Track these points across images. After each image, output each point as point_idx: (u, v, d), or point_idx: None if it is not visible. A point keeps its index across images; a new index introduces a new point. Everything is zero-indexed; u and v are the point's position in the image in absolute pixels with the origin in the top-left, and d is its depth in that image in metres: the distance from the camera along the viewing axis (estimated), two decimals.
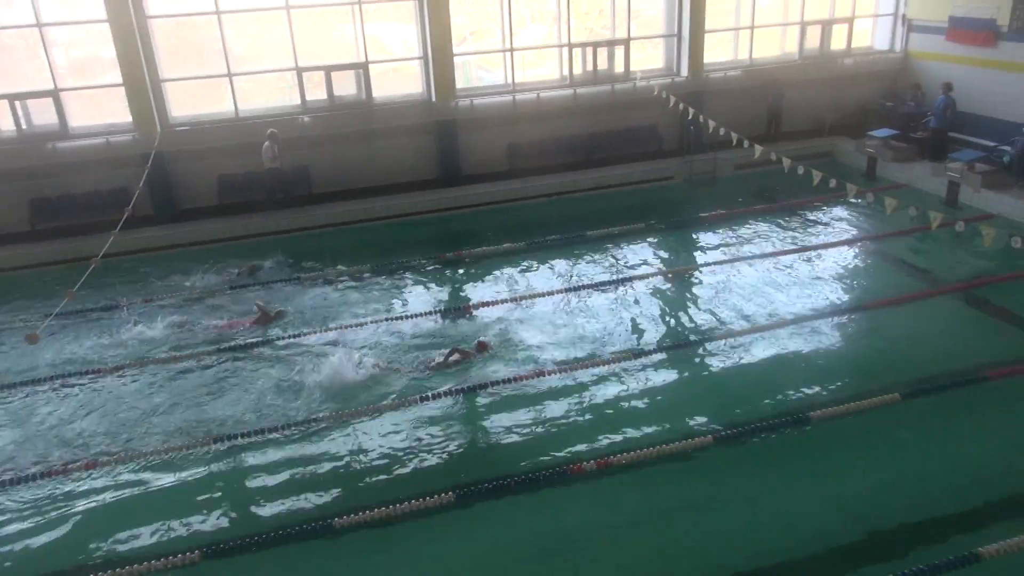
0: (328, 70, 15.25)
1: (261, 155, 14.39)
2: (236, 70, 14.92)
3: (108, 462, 7.94)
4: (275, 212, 14.71)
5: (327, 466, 7.87)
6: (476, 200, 15.52)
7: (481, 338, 9.85)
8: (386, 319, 10.75)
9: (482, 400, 8.78)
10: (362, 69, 15.42)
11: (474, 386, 8.93)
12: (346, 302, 11.52)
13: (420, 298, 11.66)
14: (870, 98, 18.56)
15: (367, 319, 10.77)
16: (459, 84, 16.33)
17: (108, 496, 7.55)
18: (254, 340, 10.35)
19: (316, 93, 15.42)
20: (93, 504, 7.46)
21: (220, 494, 7.57)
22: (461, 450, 8.04)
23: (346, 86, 15.58)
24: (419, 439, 8.17)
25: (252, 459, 8.02)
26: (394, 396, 8.89)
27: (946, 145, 15.72)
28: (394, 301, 11.53)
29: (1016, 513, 6.82)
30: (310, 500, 7.43)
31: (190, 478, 7.77)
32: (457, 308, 11.09)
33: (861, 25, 18.88)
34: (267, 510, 7.35)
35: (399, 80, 16.46)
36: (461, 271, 12.66)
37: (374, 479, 7.68)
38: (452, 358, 9.47)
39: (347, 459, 7.95)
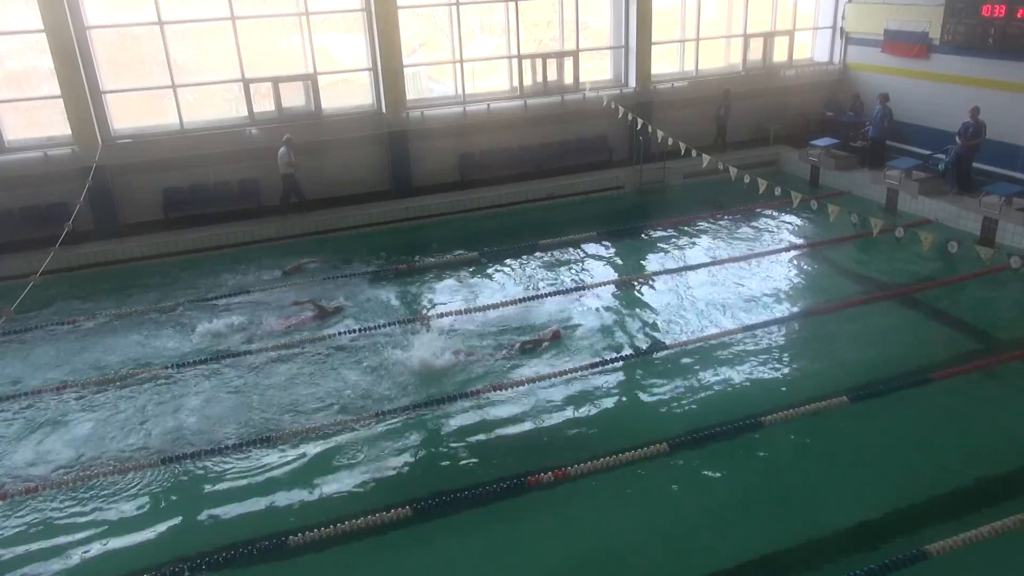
0: (276, 81, 15.05)
1: (277, 160, 14.50)
2: (180, 82, 14.61)
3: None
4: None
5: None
6: (428, 211, 15.48)
7: (554, 327, 10.34)
8: (363, 329, 10.70)
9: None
10: (311, 80, 15.26)
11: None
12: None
13: (373, 309, 11.51)
14: (812, 108, 19.10)
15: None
16: (410, 95, 16.29)
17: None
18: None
19: (264, 105, 15.21)
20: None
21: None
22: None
23: (295, 98, 15.40)
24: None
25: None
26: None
27: (884, 153, 16.25)
28: (352, 313, 11.39)
29: (963, 509, 7.01)
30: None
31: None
32: (411, 320, 11.00)
33: (802, 38, 19.44)
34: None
35: (349, 91, 16.34)
36: (413, 282, 12.57)
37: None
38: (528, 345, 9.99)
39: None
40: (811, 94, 19.18)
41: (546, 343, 10.06)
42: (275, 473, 7.86)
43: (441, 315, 11.11)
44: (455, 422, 8.59)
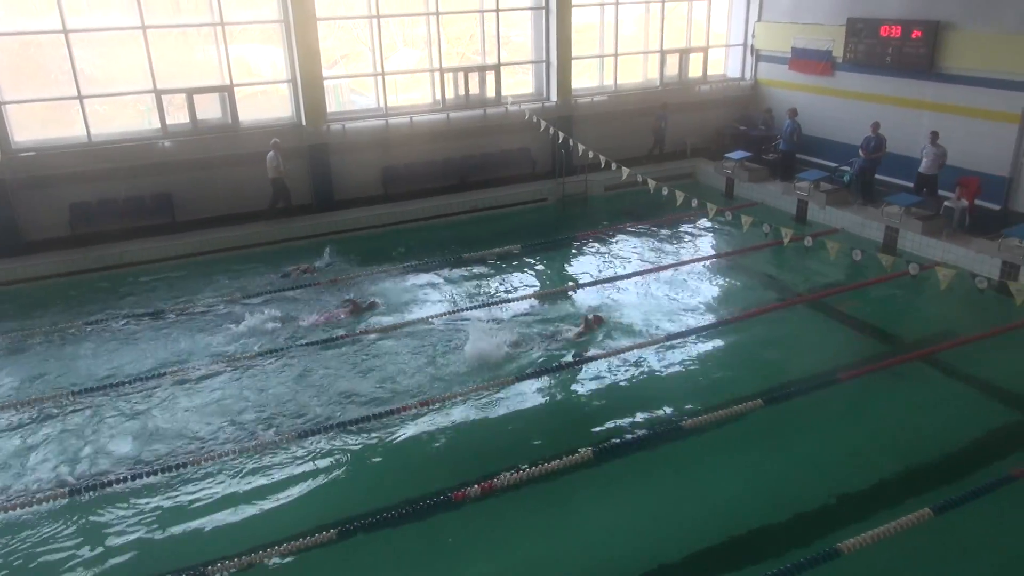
0: (190, 93, 14.65)
1: (266, 165, 14.58)
2: (88, 92, 14.05)
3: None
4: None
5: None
6: (351, 225, 15.28)
7: (597, 313, 10.97)
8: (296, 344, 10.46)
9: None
10: (227, 92, 14.91)
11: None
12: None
13: (285, 327, 11.25)
14: (726, 122, 19.78)
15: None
16: (331, 108, 16.11)
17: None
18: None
19: (179, 117, 14.77)
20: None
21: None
22: None
23: (210, 109, 15.02)
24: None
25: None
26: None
27: (794, 166, 16.95)
28: (269, 333, 11.12)
29: (873, 506, 7.33)
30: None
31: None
32: (337, 338, 10.82)
33: (715, 55, 20.13)
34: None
35: (268, 103, 16.05)
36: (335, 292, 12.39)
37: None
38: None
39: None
40: (725, 109, 19.87)
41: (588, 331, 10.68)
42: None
43: (384, 328, 11.00)
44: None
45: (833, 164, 16.95)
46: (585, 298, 12.05)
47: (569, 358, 10.08)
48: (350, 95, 17.40)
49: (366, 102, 16.96)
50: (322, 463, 8.07)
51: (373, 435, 8.52)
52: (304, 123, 15.57)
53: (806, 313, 11.58)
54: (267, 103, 16.05)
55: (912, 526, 6.88)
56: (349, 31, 16.96)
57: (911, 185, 15.00)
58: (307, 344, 10.55)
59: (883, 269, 11.48)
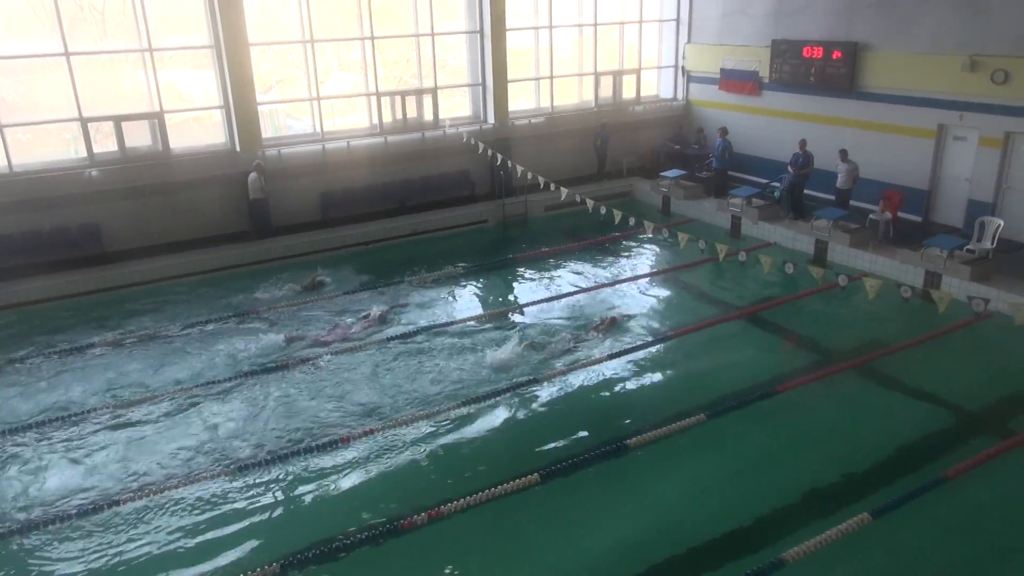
0: (118, 120, 14.26)
1: (248, 186, 14.83)
2: (8, 120, 13.55)
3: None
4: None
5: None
6: (289, 252, 15.02)
7: (612, 314, 11.62)
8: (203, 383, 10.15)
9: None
10: (157, 119, 14.57)
11: None
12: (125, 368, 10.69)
13: (221, 357, 10.98)
14: (660, 142, 20.23)
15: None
16: (266, 133, 15.90)
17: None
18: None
19: (106, 145, 14.36)
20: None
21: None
22: None
23: (140, 137, 14.64)
24: None
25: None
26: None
27: (727, 183, 17.41)
28: (203, 361, 10.82)
29: (814, 513, 7.49)
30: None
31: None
32: (274, 367, 10.59)
33: (648, 76, 20.61)
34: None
35: (201, 130, 15.74)
36: (271, 325, 12.12)
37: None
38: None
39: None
40: (659, 128, 20.33)
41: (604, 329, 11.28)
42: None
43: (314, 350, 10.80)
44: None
45: (764, 180, 17.47)
46: (527, 318, 12.08)
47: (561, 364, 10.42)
48: (286, 120, 17.21)
49: (302, 127, 16.79)
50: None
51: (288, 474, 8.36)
52: (239, 149, 15.31)
53: (744, 327, 11.83)
54: (200, 130, 15.75)
55: (853, 531, 7.08)
56: (284, 56, 16.80)
57: (833, 198, 15.59)
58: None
59: (815, 281, 11.84)
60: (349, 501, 7.86)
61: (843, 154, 14.91)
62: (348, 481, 8.15)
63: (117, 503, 7.73)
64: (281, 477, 8.18)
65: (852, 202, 15.29)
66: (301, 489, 8.03)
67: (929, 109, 14.60)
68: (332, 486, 8.07)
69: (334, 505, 7.82)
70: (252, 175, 14.87)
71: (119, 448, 8.75)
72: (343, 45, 17.06)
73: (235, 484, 8.04)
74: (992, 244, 12.86)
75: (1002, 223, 13.01)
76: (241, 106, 15.05)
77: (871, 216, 14.47)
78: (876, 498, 7.57)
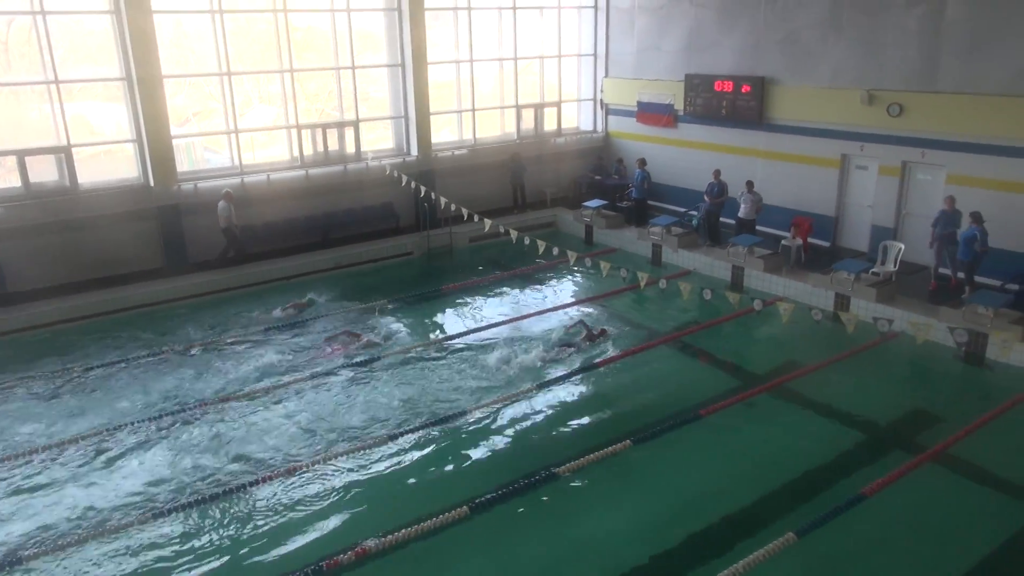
0: (21, 155, 13.65)
1: (217, 215, 14.86)
2: None
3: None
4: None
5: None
6: (206, 288, 14.58)
7: (602, 327, 12.28)
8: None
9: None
10: (64, 153, 14.01)
11: None
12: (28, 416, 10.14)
13: (137, 398, 10.54)
14: (582, 172, 20.64)
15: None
16: (183, 167, 15.50)
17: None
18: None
19: (9, 180, 13.72)
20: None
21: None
22: None
23: (46, 172, 14.04)
24: None
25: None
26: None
27: (647, 212, 17.85)
28: (113, 405, 10.35)
29: (742, 533, 7.64)
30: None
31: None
32: (188, 407, 10.21)
33: (569, 109, 21.05)
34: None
35: (113, 164, 15.21)
36: (188, 362, 11.71)
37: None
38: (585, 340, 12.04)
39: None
40: (580, 160, 20.75)
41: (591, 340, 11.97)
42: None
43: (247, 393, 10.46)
44: None
45: (682, 209, 18.00)
46: (451, 349, 12.03)
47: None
48: (204, 153, 16.80)
49: (221, 160, 16.42)
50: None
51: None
52: (152, 184, 14.84)
53: (666, 353, 12.08)
54: (112, 164, 15.21)
55: (780, 551, 7.23)
56: (200, 88, 16.46)
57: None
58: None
59: (732, 306, 12.21)
60: (271, 543, 7.60)
61: (749, 185, 15.54)
62: (267, 523, 7.88)
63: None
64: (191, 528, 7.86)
65: (765, 229, 15.91)
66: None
67: (833, 140, 15.38)
68: (234, 537, 7.80)
69: (242, 558, 7.55)
70: (221, 203, 14.90)
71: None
72: (263, 77, 16.85)
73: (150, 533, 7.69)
74: (895, 267, 13.56)
75: (903, 246, 13.75)
76: (155, 139, 14.62)
77: (783, 242, 15.06)
78: (799, 517, 7.77)
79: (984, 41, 12.84)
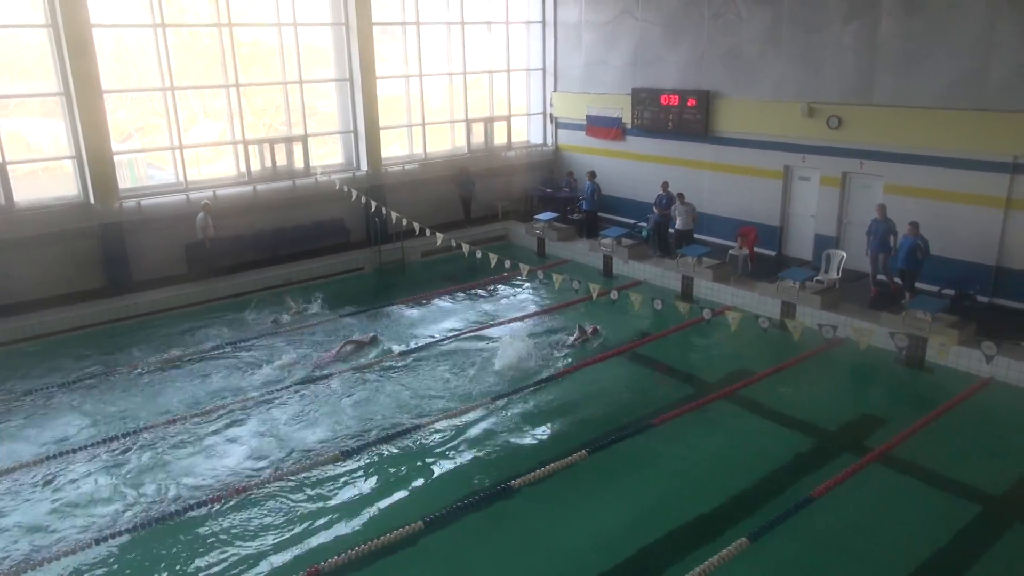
0: None
1: (196, 226, 14.99)
2: None
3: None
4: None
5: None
6: (151, 307, 14.23)
7: (594, 325, 12.83)
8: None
9: None
10: None
11: None
12: None
13: (80, 424, 10.21)
14: (533, 185, 20.78)
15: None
16: (126, 183, 15.14)
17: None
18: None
19: None
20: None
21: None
22: None
23: None
24: None
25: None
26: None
27: (598, 224, 18.04)
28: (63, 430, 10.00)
29: (697, 541, 7.71)
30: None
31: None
32: (130, 433, 9.91)
33: (518, 123, 21.19)
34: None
35: (52, 181, 14.75)
36: (131, 385, 11.40)
37: None
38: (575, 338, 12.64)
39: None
40: (531, 173, 20.90)
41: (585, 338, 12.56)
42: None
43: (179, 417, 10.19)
44: None
45: (632, 221, 18.24)
46: (406, 365, 11.96)
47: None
48: (147, 170, 16.42)
49: (165, 176, 16.07)
50: None
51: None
52: (93, 201, 14.44)
53: (620, 363, 12.17)
54: (50, 181, 14.77)
55: (733, 556, 7.33)
56: (144, 103, 16.11)
57: (698, 236, 16.48)
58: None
59: (682, 316, 12.39)
60: (220, 566, 7.42)
61: (680, 197, 15.84)
62: (214, 547, 7.70)
63: None
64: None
65: (713, 239, 16.22)
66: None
67: (776, 152, 15.79)
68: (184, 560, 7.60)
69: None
70: (200, 215, 14.95)
71: None
72: (208, 92, 16.58)
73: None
74: (838, 274, 13.94)
75: (845, 255, 14.15)
76: (95, 156, 14.25)
77: (731, 252, 15.36)
78: (752, 521, 7.90)
79: (915, 56, 13.36)
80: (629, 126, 18.62)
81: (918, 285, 13.02)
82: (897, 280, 13.30)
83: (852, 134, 14.37)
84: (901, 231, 12.95)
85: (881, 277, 13.66)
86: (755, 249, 15.46)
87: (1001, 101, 12.40)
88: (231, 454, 9.42)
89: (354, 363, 11.99)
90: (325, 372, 11.62)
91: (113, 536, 7.78)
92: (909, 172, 13.71)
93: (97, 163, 14.29)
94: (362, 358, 12.16)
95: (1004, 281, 12.88)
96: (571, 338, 12.71)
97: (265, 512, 8.22)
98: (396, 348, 12.55)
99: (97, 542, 7.68)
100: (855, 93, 14.28)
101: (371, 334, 12.92)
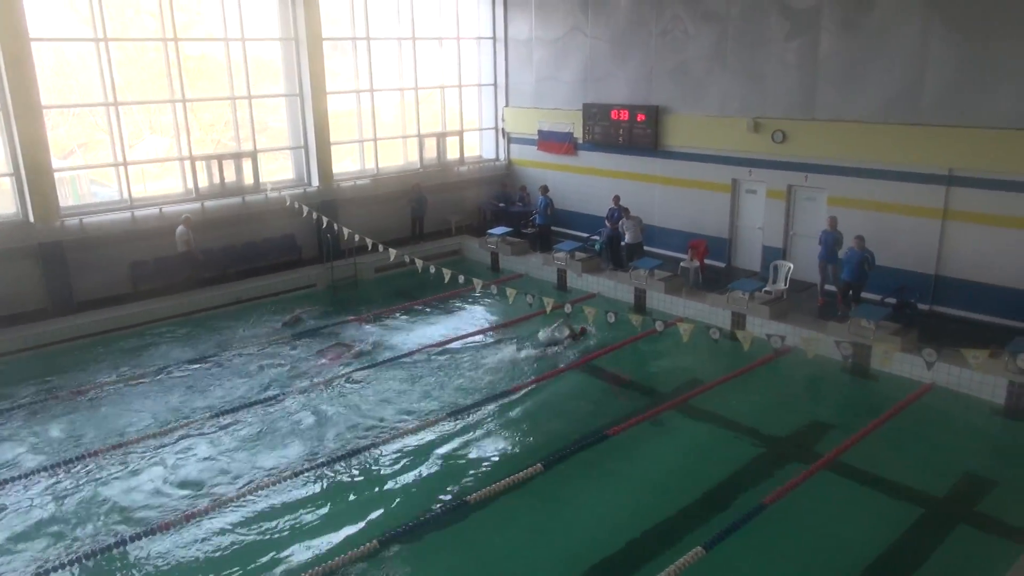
0: None
1: (176, 239, 15.07)
2: None
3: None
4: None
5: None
6: (95, 328, 13.83)
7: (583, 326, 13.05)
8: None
9: None
10: None
11: None
12: None
13: (20, 450, 9.85)
14: (486, 200, 20.82)
15: None
16: (68, 201, 14.75)
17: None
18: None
19: None
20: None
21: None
22: None
23: None
24: None
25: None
26: None
27: (551, 238, 18.14)
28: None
29: (654, 550, 7.76)
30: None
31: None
32: (81, 456, 9.60)
33: (471, 138, 21.24)
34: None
35: None
36: (74, 409, 11.05)
37: None
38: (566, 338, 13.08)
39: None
40: (484, 187, 20.94)
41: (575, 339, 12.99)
42: None
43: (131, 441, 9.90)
44: None
45: (585, 234, 18.40)
46: (360, 384, 11.83)
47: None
48: (90, 187, 16.00)
49: (109, 194, 15.68)
50: None
51: None
52: (32, 220, 14.01)
53: (575, 376, 12.23)
54: None
55: (689, 566, 7.38)
56: (86, 118, 15.72)
57: (650, 249, 16.69)
58: None
59: (635, 328, 12.51)
60: None
61: (626, 212, 16.06)
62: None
63: None
64: None
65: (665, 251, 16.45)
66: None
67: (724, 165, 16.11)
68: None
69: None
70: (180, 228, 15.10)
71: None
72: (154, 107, 16.26)
73: None
74: (785, 285, 14.24)
75: (792, 266, 14.47)
76: (34, 173, 13.84)
77: (682, 264, 15.59)
78: (707, 530, 7.97)
79: (854, 73, 13.79)
80: (581, 141, 18.81)
81: (863, 294, 13.36)
82: (845, 291, 13.61)
83: (796, 148, 14.74)
84: (847, 243, 13.27)
85: (830, 287, 13.99)
86: (705, 261, 15.71)
87: (935, 115, 12.88)
88: (180, 477, 9.18)
89: (310, 381, 11.82)
90: (277, 392, 11.42)
91: (55, 569, 7.51)
92: (851, 184, 14.11)
93: (36, 180, 13.88)
94: (333, 370, 12.21)
95: (943, 289, 13.33)
96: (563, 337, 13.06)
97: (213, 539, 8.03)
98: (347, 368, 12.41)
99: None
100: (798, 108, 14.68)
101: (358, 345, 13.20)
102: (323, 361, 12.61)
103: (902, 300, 13.05)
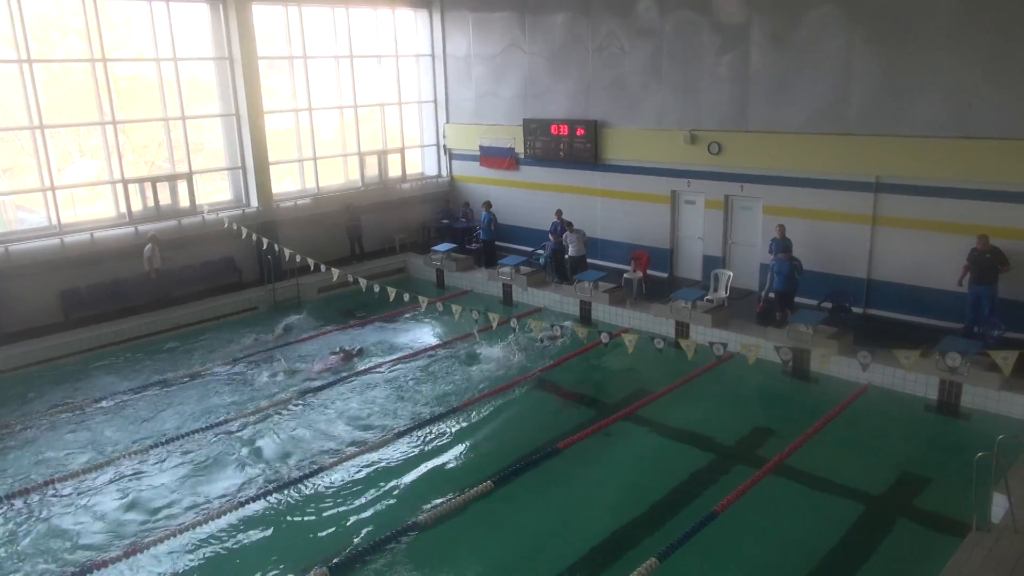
0: None
1: (143, 257, 14.99)
2: None
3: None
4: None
5: None
6: (23, 360, 13.29)
7: (565, 323, 12.75)
8: None
9: None
10: None
11: None
12: None
13: None
14: (430, 217, 20.76)
15: None
16: None
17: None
18: None
19: None
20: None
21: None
22: None
23: None
24: None
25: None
26: None
27: (496, 253, 18.17)
28: None
29: (606, 563, 7.79)
30: None
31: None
32: (24, 490, 9.19)
33: (413, 155, 21.19)
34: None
35: None
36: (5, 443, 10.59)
37: None
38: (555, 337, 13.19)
39: None
40: (428, 204, 20.89)
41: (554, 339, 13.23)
42: None
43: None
44: None
45: (529, 249, 18.48)
46: (306, 406, 11.62)
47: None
48: (16, 213, 15.41)
49: (37, 220, 15.12)
50: None
51: None
52: None
53: (523, 391, 12.22)
54: None
55: (649, 572, 7.41)
56: (10, 142, 15.16)
57: (594, 261, 16.86)
58: None
59: (581, 341, 12.60)
60: None
61: (569, 225, 16.25)
62: None
63: None
64: None
65: (608, 263, 16.63)
66: None
67: (662, 177, 16.41)
68: None
69: None
70: (147, 247, 15.07)
71: None
72: (83, 130, 15.79)
73: None
74: (726, 293, 14.54)
75: (731, 274, 14.79)
76: None
77: (625, 275, 15.78)
78: (660, 540, 8.02)
79: (784, 85, 14.24)
80: (522, 156, 18.93)
81: (799, 300, 13.73)
82: (780, 299, 13.93)
83: (732, 159, 15.11)
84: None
85: (772, 294, 14.31)
86: (648, 272, 15.93)
87: (861, 125, 13.36)
88: (115, 511, 8.85)
89: (257, 404, 11.56)
90: (222, 418, 11.13)
91: None
92: (785, 193, 14.52)
93: None
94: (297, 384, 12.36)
95: (875, 292, 13.79)
96: (552, 337, 13.32)
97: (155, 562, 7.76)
98: (292, 390, 12.18)
99: None
100: (732, 120, 15.06)
101: (358, 347, 13.75)
102: (319, 366, 13.07)
103: (837, 304, 13.45)
